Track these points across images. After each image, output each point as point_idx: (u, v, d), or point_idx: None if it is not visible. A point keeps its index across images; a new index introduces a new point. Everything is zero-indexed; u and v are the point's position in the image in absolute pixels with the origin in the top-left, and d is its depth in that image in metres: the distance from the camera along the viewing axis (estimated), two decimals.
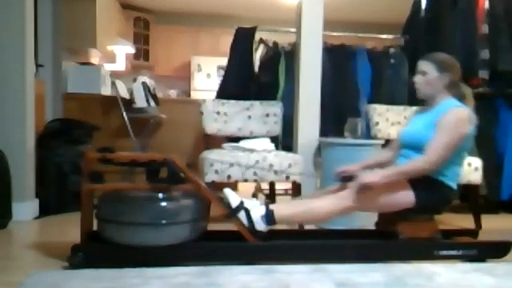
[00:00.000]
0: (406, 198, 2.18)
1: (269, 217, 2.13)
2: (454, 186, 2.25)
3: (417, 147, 2.24)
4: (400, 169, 2.19)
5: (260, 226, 2.13)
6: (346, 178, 2.29)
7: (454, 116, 2.17)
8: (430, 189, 2.20)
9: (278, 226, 2.20)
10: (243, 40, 4.11)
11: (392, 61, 4.16)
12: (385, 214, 2.37)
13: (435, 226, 2.32)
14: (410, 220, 2.27)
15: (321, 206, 2.17)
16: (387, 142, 3.29)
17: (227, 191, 2.18)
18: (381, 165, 2.37)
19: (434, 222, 2.32)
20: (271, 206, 2.18)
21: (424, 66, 2.30)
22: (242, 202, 2.15)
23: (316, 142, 3.42)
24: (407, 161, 2.25)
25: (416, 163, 2.17)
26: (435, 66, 2.27)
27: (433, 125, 2.21)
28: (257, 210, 2.14)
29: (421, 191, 2.18)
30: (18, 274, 1.93)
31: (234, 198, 2.16)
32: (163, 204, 2.01)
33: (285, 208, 2.21)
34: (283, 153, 3.04)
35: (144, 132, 4.38)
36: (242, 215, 2.12)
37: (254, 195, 3.99)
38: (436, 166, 2.15)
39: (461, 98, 2.30)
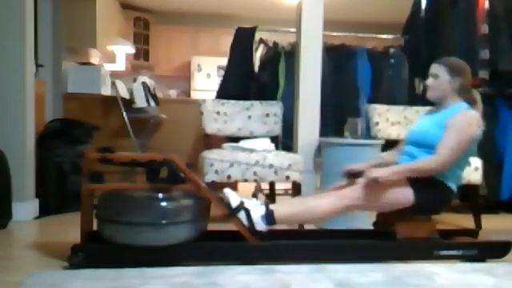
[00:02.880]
0: (406, 196, 2.18)
1: (269, 217, 2.13)
2: (455, 188, 2.26)
3: (423, 145, 2.26)
4: (410, 166, 2.20)
5: (260, 226, 2.13)
6: (354, 175, 2.29)
7: (465, 117, 2.21)
8: (429, 189, 2.20)
9: (278, 226, 2.20)
10: (243, 40, 4.11)
11: (392, 61, 4.16)
12: (383, 214, 2.37)
13: (433, 225, 2.32)
14: (408, 220, 2.27)
15: (321, 205, 2.17)
16: (387, 142, 3.29)
17: (227, 191, 2.18)
18: (386, 165, 2.36)
19: (431, 222, 2.32)
20: (271, 206, 2.17)
21: (436, 69, 2.32)
22: (242, 202, 2.15)
23: (316, 142, 3.42)
24: (411, 158, 2.27)
25: (427, 161, 2.19)
26: (447, 69, 2.29)
27: (442, 124, 2.23)
28: (257, 210, 2.14)
29: (420, 191, 2.18)
30: (18, 274, 1.93)
31: (234, 198, 2.16)
32: (163, 204, 2.01)
33: (285, 208, 2.21)
34: (283, 153, 3.04)
35: (144, 132, 4.38)
36: (242, 215, 2.12)
37: (254, 195, 3.99)
38: (446, 167, 2.17)
39: (471, 102, 2.32)
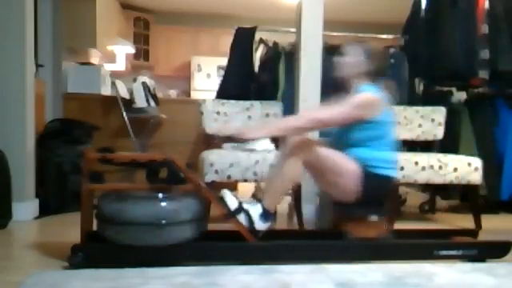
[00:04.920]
0: (350, 183, 2.16)
1: (266, 213, 2.14)
2: (390, 173, 2.24)
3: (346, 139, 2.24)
4: (283, 123, 2.19)
5: (260, 225, 2.13)
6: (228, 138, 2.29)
7: (364, 97, 2.19)
8: (368, 183, 2.18)
9: (278, 226, 2.20)
10: (243, 40, 4.11)
11: (392, 61, 4.16)
12: (337, 214, 2.36)
13: (384, 226, 2.31)
14: (358, 219, 2.27)
15: (289, 172, 2.15)
16: None
17: (225, 193, 2.18)
18: None
19: (382, 222, 2.31)
20: (263, 203, 2.17)
21: (351, 48, 2.32)
22: (240, 204, 2.15)
23: None
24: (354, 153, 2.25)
25: (301, 119, 2.18)
26: (362, 50, 2.29)
27: None
28: (255, 209, 2.14)
29: (363, 186, 2.17)
30: (18, 274, 1.93)
31: (231, 201, 2.16)
32: (163, 204, 2.01)
33: (269, 195, 2.19)
34: None
35: (144, 132, 4.38)
36: (241, 217, 2.12)
37: (254, 195, 3.99)
38: (321, 126, 2.19)
39: (380, 88, 2.30)
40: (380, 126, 2.22)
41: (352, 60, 2.30)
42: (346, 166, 2.17)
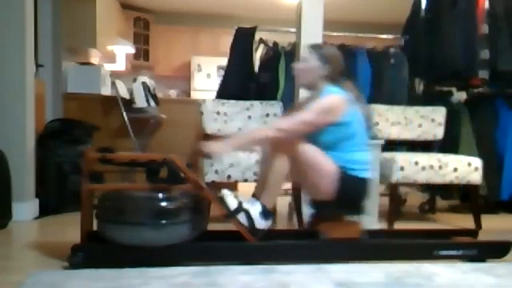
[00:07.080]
0: (327, 181, 2.15)
1: (265, 212, 2.14)
2: (365, 174, 2.23)
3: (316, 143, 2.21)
4: (249, 136, 2.20)
5: (260, 223, 2.13)
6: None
7: (327, 101, 2.17)
8: (344, 185, 2.16)
9: (278, 226, 2.20)
10: (243, 40, 4.12)
11: (392, 61, 4.17)
12: (313, 214, 2.37)
13: (359, 226, 2.31)
14: (333, 220, 2.27)
15: (279, 168, 2.14)
16: (387, 142, 3.30)
17: (225, 193, 2.18)
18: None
19: (357, 223, 2.31)
20: (261, 201, 2.17)
21: (306, 53, 2.31)
22: (240, 203, 2.15)
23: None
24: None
25: (265, 130, 2.21)
26: (317, 55, 2.27)
27: None
28: (255, 208, 2.14)
29: (337, 188, 2.16)
30: (18, 274, 1.93)
31: (231, 201, 2.15)
32: (163, 204, 2.01)
33: (266, 194, 2.18)
34: None
35: (144, 132, 4.38)
36: (241, 217, 2.12)
37: (254, 195, 3.99)
38: (285, 136, 2.12)
39: (342, 88, 2.28)
40: (347, 126, 2.20)
41: (308, 66, 2.28)
42: (324, 165, 2.16)
